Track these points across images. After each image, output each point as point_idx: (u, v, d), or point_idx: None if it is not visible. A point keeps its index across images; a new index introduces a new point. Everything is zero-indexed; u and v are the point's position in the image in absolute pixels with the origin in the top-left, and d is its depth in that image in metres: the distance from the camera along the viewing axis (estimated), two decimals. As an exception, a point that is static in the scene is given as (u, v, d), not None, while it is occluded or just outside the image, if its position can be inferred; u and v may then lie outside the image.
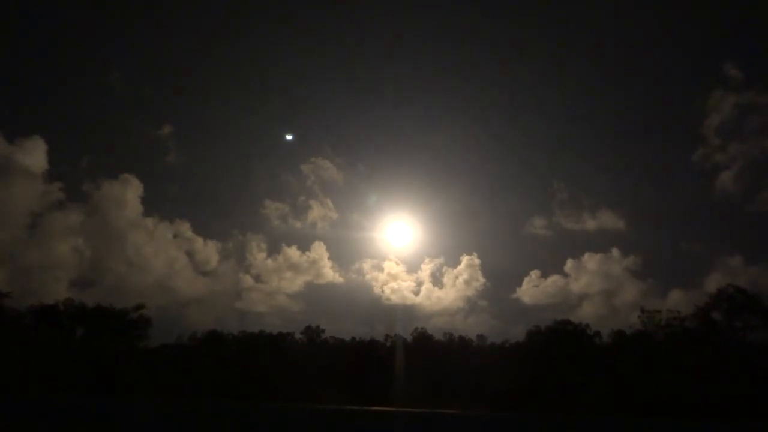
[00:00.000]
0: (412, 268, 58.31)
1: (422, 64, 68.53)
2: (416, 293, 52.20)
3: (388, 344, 39.72)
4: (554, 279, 51.36)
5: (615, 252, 52.85)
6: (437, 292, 52.27)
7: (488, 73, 70.40)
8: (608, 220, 57.69)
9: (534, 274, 51.22)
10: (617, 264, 51.78)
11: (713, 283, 48.04)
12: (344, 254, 63.02)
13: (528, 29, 68.51)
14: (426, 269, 52.81)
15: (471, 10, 67.32)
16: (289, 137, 60.84)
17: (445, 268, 53.00)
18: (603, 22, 62.24)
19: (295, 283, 53.39)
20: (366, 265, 55.71)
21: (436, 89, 70.61)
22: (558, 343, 33.72)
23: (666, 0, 63.15)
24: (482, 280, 51.29)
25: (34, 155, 47.48)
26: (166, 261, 51.39)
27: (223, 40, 68.50)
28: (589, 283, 50.72)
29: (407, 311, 49.22)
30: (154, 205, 57.36)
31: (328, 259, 53.42)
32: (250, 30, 67.51)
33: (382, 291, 51.67)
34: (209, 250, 52.83)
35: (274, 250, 63.73)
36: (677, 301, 46.76)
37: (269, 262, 54.97)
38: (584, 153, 66.40)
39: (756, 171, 53.36)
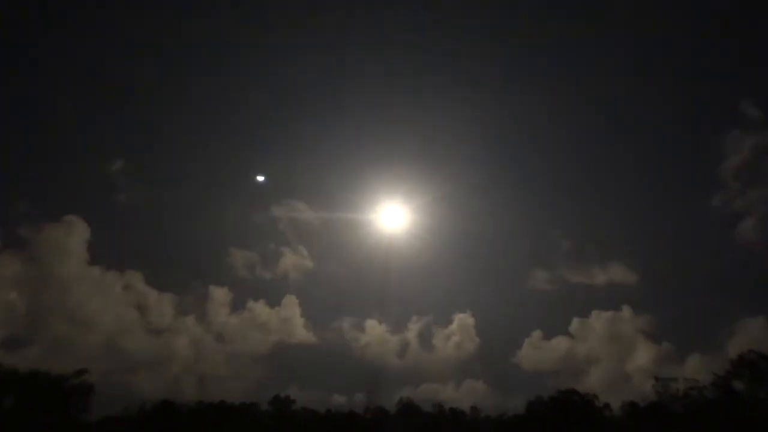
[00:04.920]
0: (398, 327, 57.66)
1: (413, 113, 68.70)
2: (401, 356, 51.77)
3: (369, 417, 38.98)
4: (558, 341, 51.31)
5: (626, 310, 52.45)
6: (425, 356, 52.18)
7: (487, 111, 71.00)
8: (619, 273, 58.45)
9: (535, 335, 51.10)
10: (629, 324, 51.70)
11: (735, 346, 45.69)
12: (320, 311, 61.93)
13: (533, 65, 70.29)
14: (413, 329, 52.68)
15: (475, 44, 69.01)
16: (260, 178, 60.52)
17: (434, 327, 53.00)
18: (612, 60, 64.40)
19: (262, 343, 52.68)
20: (345, 324, 54.83)
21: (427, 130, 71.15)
22: (562, 416, 33.40)
23: (677, 37, 65.07)
24: (476, 341, 51.39)
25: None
26: (113, 317, 50.45)
27: (185, 61, 68.27)
28: (598, 345, 50.73)
29: (391, 377, 49.59)
30: (101, 251, 55.79)
31: (301, 315, 52.98)
32: (217, 53, 67.80)
33: (363, 354, 51.31)
34: (164, 305, 52.05)
35: (239, 304, 61.63)
36: (695, 367, 46.52)
37: (233, 318, 54.14)
38: (591, 199, 67.16)
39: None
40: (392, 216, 59.59)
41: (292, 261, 59.23)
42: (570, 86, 68.60)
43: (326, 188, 65.53)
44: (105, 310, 50.14)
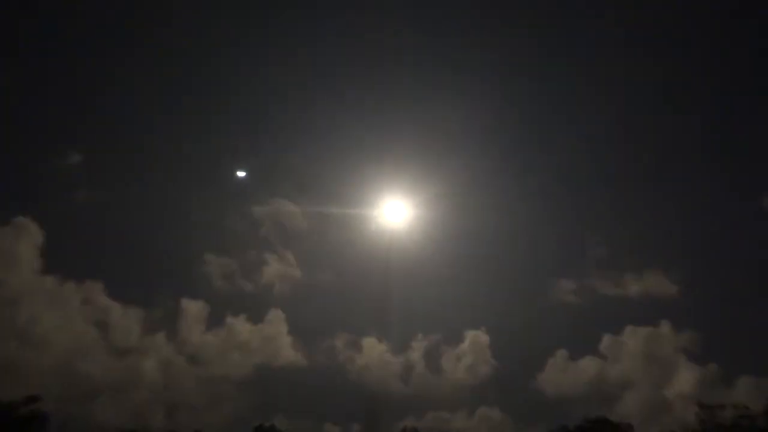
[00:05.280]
0: (400, 346, 51.52)
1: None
2: (405, 380, 48.54)
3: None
4: (586, 361, 47.88)
5: (665, 326, 48.70)
6: (433, 379, 48.85)
7: (507, 90, 65.51)
8: (657, 283, 53.21)
9: (560, 354, 47.78)
10: (668, 342, 48.12)
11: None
12: (310, 327, 54.83)
13: (551, 45, 65.48)
14: (418, 348, 49.49)
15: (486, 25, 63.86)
16: (240, 174, 55.55)
17: (442, 346, 49.53)
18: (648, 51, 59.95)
19: (243, 365, 48.70)
20: (339, 342, 50.62)
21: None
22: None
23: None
24: (492, 362, 48.14)
25: None
26: (70, 335, 46.13)
27: (149, 39, 61.54)
28: (632, 367, 47.17)
29: (393, 404, 45.57)
30: (56, 259, 48.68)
31: (288, 333, 49.34)
32: (189, 29, 61.54)
33: (360, 377, 48.26)
34: (129, 321, 48.05)
35: (216, 320, 54.03)
36: (745, 391, 43.27)
37: (209, 336, 49.76)
38: (626, 196, 61.71)
39: None
40: (393, 214, 54.73)
41: (278, 269, 54.28)
42: (599, 63, 63.04)
43: (317, 185, 59.06)
44: (60, 327, 45.92)
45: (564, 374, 47.43)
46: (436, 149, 58.21)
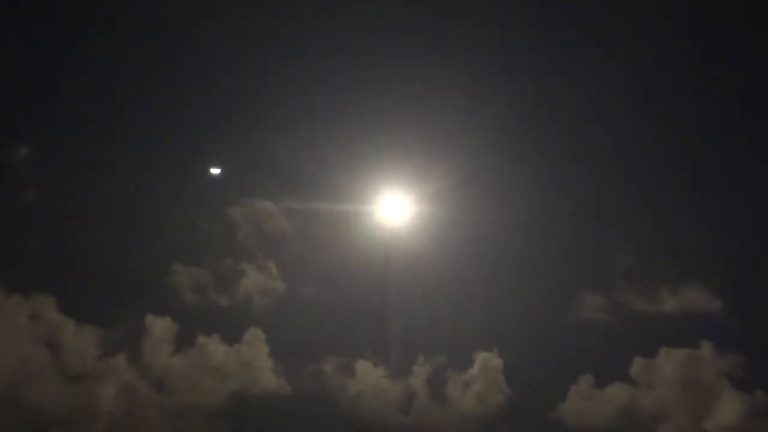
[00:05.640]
0: (399, 370, 46.24)
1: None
2: (405, 410, 43.76)
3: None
4: (615, 388, 43.36)
5: (706, 347, 44.18)
6: (437, 409, 43.91)
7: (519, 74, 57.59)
8: (696, 299, 47.08)
9: (584, 380, 43.47)
10: (710, 365, 43.61)
11: None
12: (294, 348, 49.12)
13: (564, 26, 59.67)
14: (420, 373, 44.61)
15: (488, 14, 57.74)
16: (214, 171, 49.67)
17: (448, 371, 44.49)
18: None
19: (217, 393, 43.81)
20: (328, 366, 45.51)
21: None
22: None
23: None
24: (506, 390, 43.46)
25: None
26: (16, 357, 41.85)
27: (108, 22, 55.01)
28: (668, 394, 42.78)
29: None
30: (0, 268, 43.43)
31: (269, 355, 44.64)
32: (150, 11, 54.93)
33: (353, 406, 43.65)
34: (85, 341, 43.71)
35: (185, 340, 47.70)
36: None
37: (178, 359, 45.00)
38: (660, 198, 54.78)
39: None
40: (391, 212, 48.41)
41: (258, 281, 48.52)
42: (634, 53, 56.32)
43: (304, 181, 51.96)
44: (3, 348, 41.95)
45: (589, 403, 43.31)
46: (441, 135, 51.06)
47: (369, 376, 44.22)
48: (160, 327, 45.28)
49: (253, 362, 44.56)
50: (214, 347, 44.92)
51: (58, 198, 50.64)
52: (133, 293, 48.19)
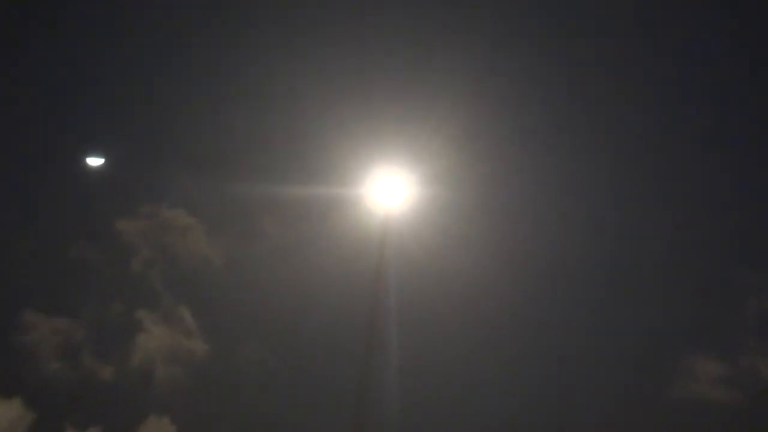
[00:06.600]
0: None
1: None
2: None
3: None
4: None
5: None
6: None
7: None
8: None
9: None
10: None
11: None
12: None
13: None
14: None
15: None
16: (93, 161, 32.17)
17: None
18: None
19: None
20: None
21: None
22: None
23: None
24: None
25: None
26: None
27: None
28: None
29: None
30: None
31: None
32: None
33: None
34: None
35: None
36: None
37: None
38: None
39: None
40: (382, 197, 31.17)
41: (162, 340, 30.37)
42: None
43: (251, 165, 33.99)
44: None
45: None
46: (443, 105, 33.94)
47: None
48: (7, 414, 27.67)
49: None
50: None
51: None
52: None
